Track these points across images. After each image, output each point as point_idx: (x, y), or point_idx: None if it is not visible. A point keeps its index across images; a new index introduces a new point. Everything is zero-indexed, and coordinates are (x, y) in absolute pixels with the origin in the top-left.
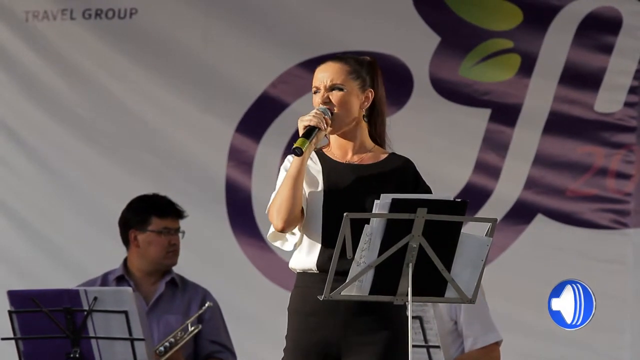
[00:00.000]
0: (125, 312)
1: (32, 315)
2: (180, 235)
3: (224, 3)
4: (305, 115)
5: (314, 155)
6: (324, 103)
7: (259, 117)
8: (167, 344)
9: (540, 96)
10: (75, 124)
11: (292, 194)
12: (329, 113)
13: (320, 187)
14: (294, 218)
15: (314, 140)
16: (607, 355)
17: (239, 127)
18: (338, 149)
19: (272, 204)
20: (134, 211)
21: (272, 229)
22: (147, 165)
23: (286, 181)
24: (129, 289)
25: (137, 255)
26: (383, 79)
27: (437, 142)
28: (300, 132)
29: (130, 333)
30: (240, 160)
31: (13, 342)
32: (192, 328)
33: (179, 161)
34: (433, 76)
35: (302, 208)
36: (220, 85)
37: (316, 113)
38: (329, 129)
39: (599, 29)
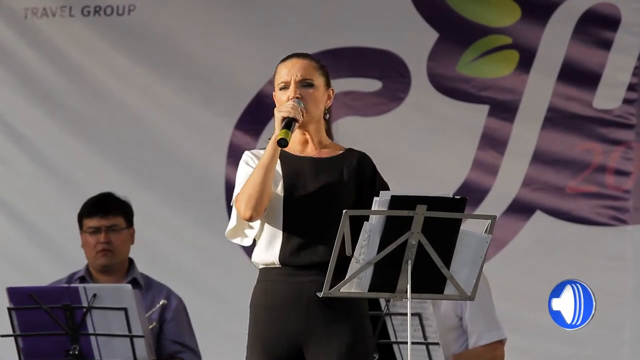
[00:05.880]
0: (125, 309)
1: (32, 312)
2: (123, 232)
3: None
4: (282, 107)
5: None
6: (296, 97)
7: (258, 114)
8: None
9: (539, 92)
10: (74, 121)
11: (264, 183)
12: (302, 105)
13: (280, 181)
14: (263, 207)
15: (294, 131)
16: (606, 351)
17: (238, 124)
18: (298, 144)
19: (242, 192)
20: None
21: (230, 226)
22: (145, 162)
23: (258, 170)
24: (129, 286)
25: None
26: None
27: (435, 139)
28: (279, 124)
29: (129, 330)
30: (240, 157)
31: (12, 339)
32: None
33: (178, 159)
34: (431, 72)
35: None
36: (219, 82)
37: (293, 105)
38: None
39: (598, 25)
